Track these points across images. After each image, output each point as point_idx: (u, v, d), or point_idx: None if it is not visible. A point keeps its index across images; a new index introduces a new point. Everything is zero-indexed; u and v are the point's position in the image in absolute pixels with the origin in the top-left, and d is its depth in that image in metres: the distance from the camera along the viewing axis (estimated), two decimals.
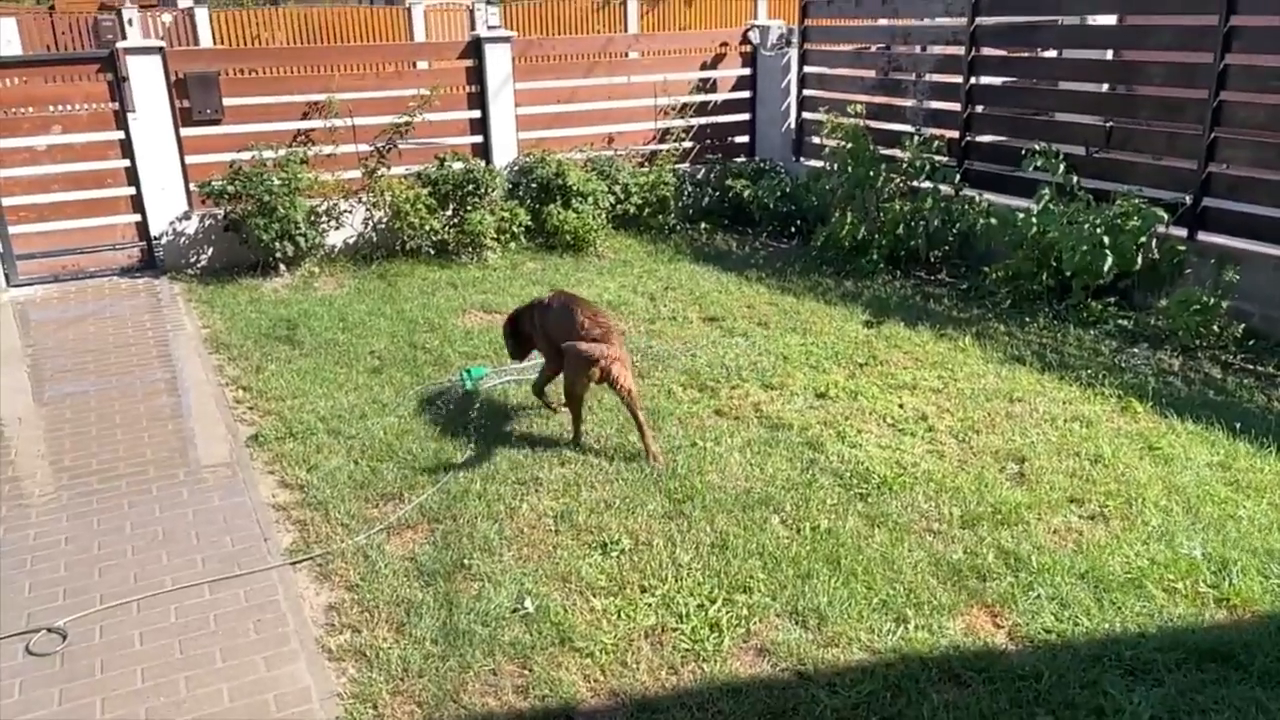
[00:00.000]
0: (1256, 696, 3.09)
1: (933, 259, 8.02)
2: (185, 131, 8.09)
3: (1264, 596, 3.58)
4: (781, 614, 3.59)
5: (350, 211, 8.44)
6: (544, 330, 5.12)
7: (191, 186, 8.14)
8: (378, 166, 8.55)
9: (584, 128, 9.62)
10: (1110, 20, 9.40)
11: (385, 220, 8.52)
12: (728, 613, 3.58)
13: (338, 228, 8.37)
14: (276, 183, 7.80)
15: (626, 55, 10.71)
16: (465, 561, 3.90)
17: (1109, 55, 9.11)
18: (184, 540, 4.17)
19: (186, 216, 8.20)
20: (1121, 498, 4.30)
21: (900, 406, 5.35)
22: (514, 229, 8.61)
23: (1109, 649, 3.34)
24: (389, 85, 9.04)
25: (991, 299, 7.09)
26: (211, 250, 8.29)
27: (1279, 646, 3.29)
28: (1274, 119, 6.33)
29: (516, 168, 9.14)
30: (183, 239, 8.22)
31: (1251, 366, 5.82)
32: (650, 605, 3.63)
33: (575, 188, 8.75)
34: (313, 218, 8.03)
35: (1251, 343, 6.04)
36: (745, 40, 10.00)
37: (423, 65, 9.72)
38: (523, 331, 5.35)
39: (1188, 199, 6.61)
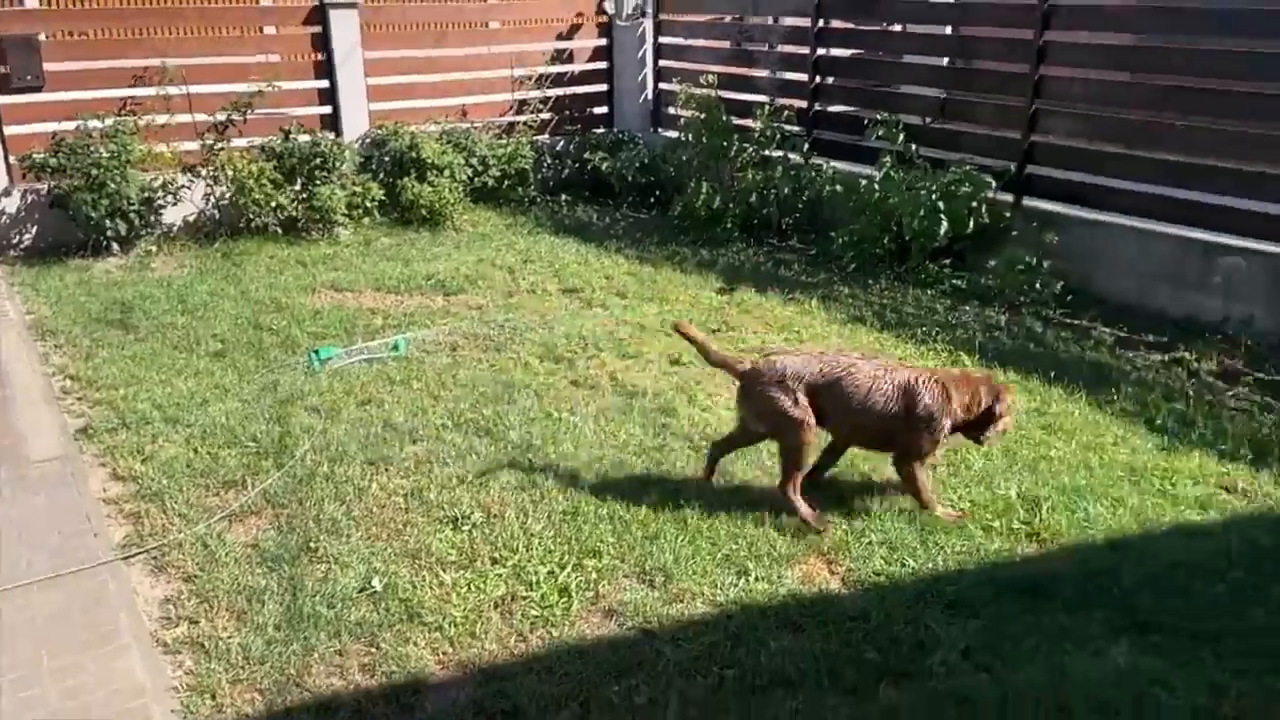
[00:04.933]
0: (1062, 623, 3.36)
1: (784, 226, 8.26)
2: (2, 100, 7.53)
3: (1069, 530, 3.89)
4: (629, 575, 3.68)
5: (189, 187, 8.04)
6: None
7: (11, 159, 7.60)
8: (217, 139, 8.16)
9: (439, 99, 9.43)
10: None
11: (228, 196, 8.15)
12: (577, 578, 3.64)
13: (175, 204, 7.96)
14: (105, 155, 7.37)
15: (488, 25, 10.56)
16: (311, 545, 3.83)
17: (948, 30, 9.51)
18: (6, 540, 3.94)
19: (7, 192, 7.65)
20: (948, 446, 4.57)
21: None
22: (367, 204, 8.39)
23: (932, 587, 3.56)
24: (228, 51, 8.63)
25: (838, 263, 7.37)
26: (36, 229, 7.76)
27: (1082, 576, 3.59)
28: (1088, 93, 6.77)
29: (369, 140, 8.90)
30: (3, 217, 7.67)
31: (1069, 320, 6.25)
32: (501, 576, 3.66)
33: (430, 161, 8.58)
34: (147, 193, 7.62)
35: (1070, 298, 6.48)
36: (601, 10, 9.98)
37: (270, 30, 9.30)
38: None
39: (1013, 167, 7.01)
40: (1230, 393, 5.26)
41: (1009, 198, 7.05)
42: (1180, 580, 3.57)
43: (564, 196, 9.45)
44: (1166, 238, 6.31)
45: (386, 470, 4.41)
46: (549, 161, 9.76)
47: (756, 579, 3.62)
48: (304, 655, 3.24)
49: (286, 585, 3.59)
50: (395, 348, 5.78)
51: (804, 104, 8.49)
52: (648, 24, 9.89)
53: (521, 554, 3.78)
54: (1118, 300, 6.48)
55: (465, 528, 3.97)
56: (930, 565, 3.71)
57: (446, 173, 8.64)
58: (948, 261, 7.09)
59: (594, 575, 3.65)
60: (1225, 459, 4.52)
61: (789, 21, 8.90)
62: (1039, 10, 6.68)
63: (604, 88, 10.35)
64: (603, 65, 10.23)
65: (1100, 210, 6.67)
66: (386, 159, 8.75)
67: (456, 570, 3.70)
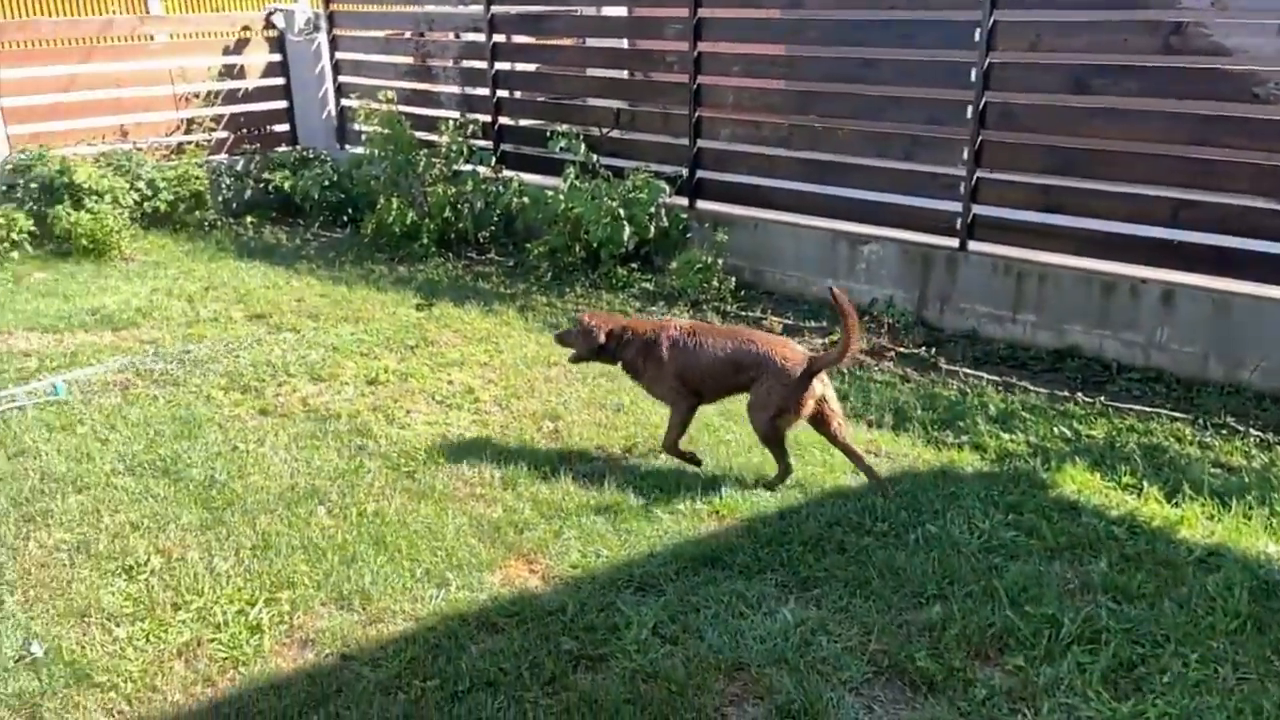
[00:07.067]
0: (738, 589, 3.68)
1: (481, 239, 8.35)
2: None
3: (742, 504, 4.26)
4: (327, 602, 3.60)
5: None
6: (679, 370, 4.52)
7: None
8: None
9: (91, 118, 8.64)
10: (622, 11, 10.31)
11: None
12: (270, 612, 3.51)
13: None
14: None
15: (153, 39, 9.80)
16: None
17: (625, 44, 10.03)
18: None
19: None
20: (647, 435, 4.86)
21: (449, 383, 5.55)
22: (14, 237, 7.55)
23: (624, 572, 3.78)
24: None
25: (535, 273, 7.57)
26: None
27: (753, 545, 3.94)
28: (740, 100, 7.41)
29: (9, 167, 7.97)
30: None
31: (744, 313, 6.82)
32: (184, 622, 3.45)
33: (87, 185, 7.85)
34: None
35: (744, 293, 7.09)
36: (270, 25, 9.56)
37: None
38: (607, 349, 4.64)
39: (684, 172, 7.54)
40: (877, 367, 5.99)
41: (684, 201, 7.59)
42: (836, 537, 4.02)
43: (249, 219, 8.97)
44: (819, 231, 7.04)
45: (46, 525, 4.00)
46: (229, 182, 9.21)
47: (458, 588, 3.67)
48: None
49: None
50: (54, 391, 5.24)
51: (489, 118, 8.63)
52: (323, 39, 9.61)
53: (207, 595, 3.59)
54: (785, 292, 7.17)
55: (141, 576, 3.69)
56: (623, 552, 3.93)
57: (108, 198, 7.93)
58: (636, 265, 7.50)
59: (288, 607, 3.54)
60: (872, 427, 5.15)
61: (468, 37, 8.98)
62: (691, 23, 7.21)
63: (283, 104, 9.94)
64: (279, 81, 9.82)
65: (761, 209, 7.33)
66: (34, 186, 7.88)
67: (132, 623, 3.44)
